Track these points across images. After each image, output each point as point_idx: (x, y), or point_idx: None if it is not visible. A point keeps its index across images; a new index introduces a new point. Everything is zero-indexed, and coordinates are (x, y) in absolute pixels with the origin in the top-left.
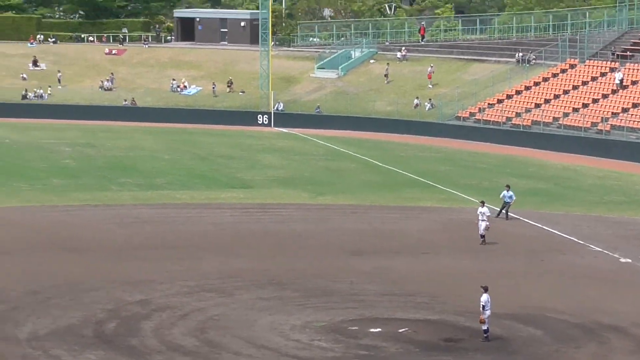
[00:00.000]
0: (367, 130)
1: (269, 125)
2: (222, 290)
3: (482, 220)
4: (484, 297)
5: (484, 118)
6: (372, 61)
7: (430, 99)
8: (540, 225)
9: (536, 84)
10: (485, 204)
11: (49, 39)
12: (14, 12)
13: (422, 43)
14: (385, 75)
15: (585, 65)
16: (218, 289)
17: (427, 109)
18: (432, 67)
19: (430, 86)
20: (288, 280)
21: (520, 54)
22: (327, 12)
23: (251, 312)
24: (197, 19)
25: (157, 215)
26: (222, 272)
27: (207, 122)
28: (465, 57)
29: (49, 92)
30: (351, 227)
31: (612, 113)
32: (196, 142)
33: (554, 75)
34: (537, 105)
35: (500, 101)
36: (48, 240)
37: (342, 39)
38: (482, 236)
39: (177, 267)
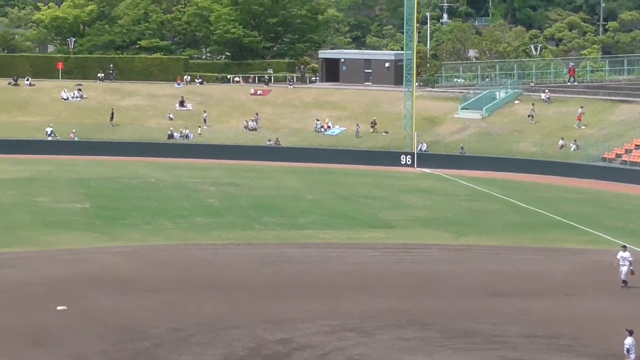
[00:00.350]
0: (511, 171)
1: (412, 165)
2: (362, 330)
3: (624, 265)
4: (629, 341)
5: (631, 159)
6: (516, 102)
7: (575, 140)
8: None
9: None
10: (627, 248)
11: (196, 80)
12: (162, 53)
13: (568, 84)
14: (530, 116)
15: None
16: (359, 329)
17: (572, 150)
18: (582, 108)
19: (582, 127)
20: (429, 320)
21: None
22: (471, 53)
23: (392, 352)
24: (342, 60)
25: (299, 254)
26: (363, 312)
27: (350, 162)
28: (612, 97)
29: (199, 132)
30: (493, 268)
31: None
32: (339, 182)
33: None
34: None
35: None
36: (191, 278)
37: (487, 79)
38: (624, 281)
39: (318, 306)
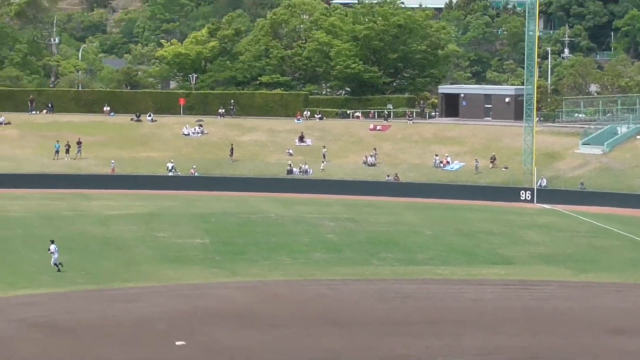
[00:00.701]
0: (632, 207)
1: (531, 201)
2: None
3: None
4: None
5: None
6: (638, 137)
7: None
8: None
9: None
10: None
11: (315, 115)
12: (282, 89)
13: None
14: None
15: None
16: None
17: None
18: None
19: None
20: (548, 357)
21: None
22: (593, 87)
23: None
24: (462, 95)
25: (417, 290)
26: (481, 348)
27: (469, 198)
28: None
29: (321, 168)
30: (615, 306)
31: None
32: (458, 218)
33: None
34: None
35: None
36: (309, 314)
37: (608, 114)
38: None
39: (436, 342)
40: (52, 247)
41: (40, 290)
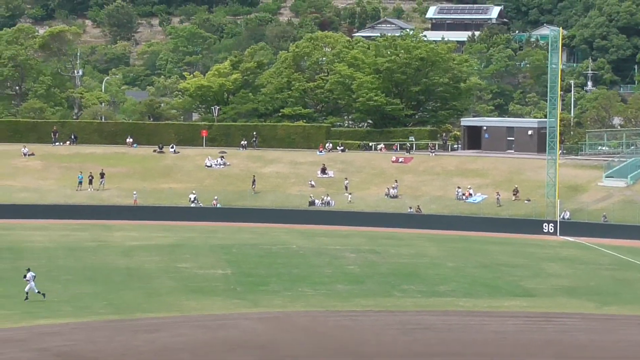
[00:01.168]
0: None
1: (554, 233)
2: None
3: None
4: None
5: None
6: None
7: None
8: None
9: None
10: None
11: (338, 147)
12: (304, 121)
13: None
14: None
15: None
16: None
17: None
18: None
19: None
20: None
21: None
22: (616, 120)
23: None
24: (484, 128)
25: (439, 322)
26: None
27: (491, 230)
28: None
29: (349, 200)
30: (637, 339)
31: None
32: (480, 250)
33: None
34: None
35: None
36: (331, 345)
37: (632, 147)
38: None
39: None
40: (29, 274)
41: (62, 320)
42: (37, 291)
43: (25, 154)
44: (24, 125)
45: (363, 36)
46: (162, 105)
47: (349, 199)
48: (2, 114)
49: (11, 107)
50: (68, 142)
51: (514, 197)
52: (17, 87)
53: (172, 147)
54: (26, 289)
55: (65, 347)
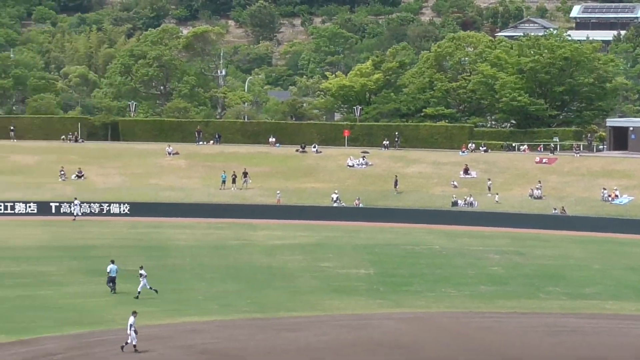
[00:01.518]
0: None
1: None
2: None
3: None
4: None
5: None
6: None
7: None
8: None
9: None
10: None
11: (480, 148)
12: (447, 121)
13: None
14: None
15: None
16: None
17: None
18: None
19: None
20: None
21: None
22: None
23: None
24: (631, 128)
25: (585, 325)
26: None
27: (638, 233)
28: None
29: (496, 200)
30: None
31: None
32: (626, 253)
33: None
34: None
35: None
36: (475, 347)
37: None
38: None
39: None
40: (142, 271)
41: (207, 317)
42: (149, 287)
43: (169, 153)
44: (169, 125)
45: (506, 36)
46: (305, 105)
47: (496, 199)
48: (148, 113)
49: (156, 106)
50: (212, 142)
51: None
52: (161, 87)
53: (315, 147)
54: (139, 288)
55: (210, 344)
